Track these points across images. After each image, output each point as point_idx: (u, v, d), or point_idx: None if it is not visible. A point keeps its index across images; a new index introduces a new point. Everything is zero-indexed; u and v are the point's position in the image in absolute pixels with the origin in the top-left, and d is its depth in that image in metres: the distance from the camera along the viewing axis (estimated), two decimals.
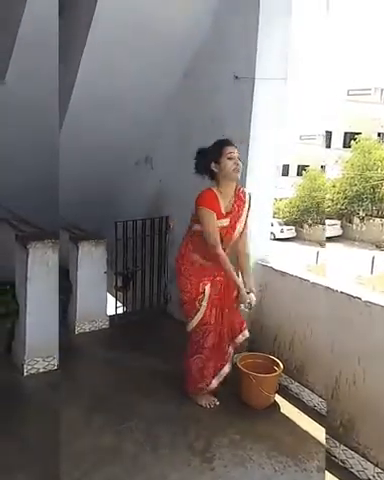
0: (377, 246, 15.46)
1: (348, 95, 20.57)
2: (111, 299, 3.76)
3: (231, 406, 2.43)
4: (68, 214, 3.53)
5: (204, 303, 2.33)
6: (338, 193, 17.09)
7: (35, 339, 2.69)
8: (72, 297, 3.34)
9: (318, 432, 2.21)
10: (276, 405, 2.46)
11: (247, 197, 2.36)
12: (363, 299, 2.01)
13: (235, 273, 2.32)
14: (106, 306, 3.49)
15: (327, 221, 16.88)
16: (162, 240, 3.69)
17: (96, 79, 2.99)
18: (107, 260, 3.38)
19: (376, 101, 19.59)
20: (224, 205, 2.27)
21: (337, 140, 20.01)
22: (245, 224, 2.37)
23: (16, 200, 3.17)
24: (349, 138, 18.19)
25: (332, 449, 2.11)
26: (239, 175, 2.25)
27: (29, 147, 3.09)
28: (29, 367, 2.68)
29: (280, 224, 17.29)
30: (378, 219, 16.43)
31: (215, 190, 2.26)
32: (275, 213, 15.34)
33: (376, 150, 16.52)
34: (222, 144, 2.24)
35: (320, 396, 2.38)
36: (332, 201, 17.26)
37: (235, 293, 2.41)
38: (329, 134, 20.12)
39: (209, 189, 2.25)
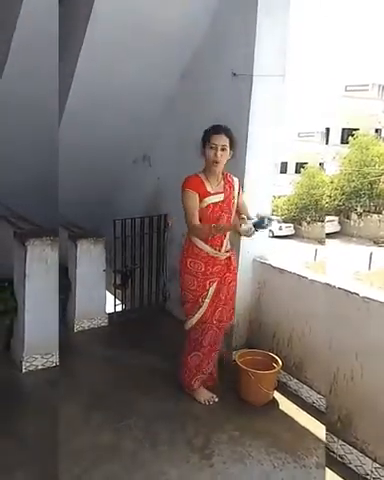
0: (375, 242, 15.51)
1: (346, 91, 20.53)
2: (110, 297, 3.76)
3: (230, 403, 2.44)
4: (67, 212, 3.53)
5: (207, 300, 2.34)
6: (336, 189, 17.11)
7: (33, 336, 2.69)
8: (71, 295, 3.34)
9: (317, 428, 2.23)
10: (275, 402, 2.47)
11: (235, 180, 2.38)
12: (361, 295, 2.02)
13: (223, 225, 2.24)
14: (105, 304, 3.50)
15: (325, 217, 16.90)
16: (161, 238, 3.68)
17: (94, 78, 2.98)
18: (106, 258, 3.38)
19: (374, 97, 19.55)
20: (211, 185, 2.29)
21: (335, 136, 19.98)
22: (239, 200, 2.40)
23: (15, 198, 3.17)
24: (347, 134, 18.17)
25: (330, 444, 2.13)
26: (220, 166, 2.25)
27: (28, 145, 3.09)
28: (27, 364, 2.69)
29: (278, 222, 17.30)
30: (376, 215, 16.47)
31: (201, 175, 2.28)
32: (274, 211, 15.36)
33: (374, 146, 16.53)
34: (209, 132, 2.24)
35: (319, 392, 2.39)
36: (330, 197, 17.29)
37: (235, 290, 2.43)
38: (327, 130, 20.09)
39: (194, 174, 2.28)
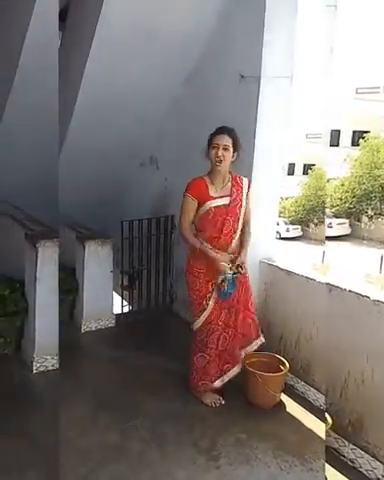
0: None
1: (357, 93, 20.39)
2: (117, 298, 3.77)
3: (237, 405, 2.43)
4: (75, 214, 3.56)
5: (211, 302, 2.33)
6: (346, 192, 16.95)
7: (44, 337, 2.71)
8: (78, 296, 3.36)
9: (323, 431, 2.20)
10: (282, 404, 2.46)
11: (244, 182, 2.37)
12: (372, 298, 2.00)
13: (207, 249, 2.26)
14: (112, 305, 3.51)
15: (336, 220, 16.73)
16: (168, 239, 3.69)
17: (102, 82, 3.02)
18: (113, 259, 3.40)
19: None
20: (215, 189, 2.29)
21: (346, 138, 19.84)
22: (247, 208, 2.37)
23: (21, 199, 3.20)
24: (358, 136, 18.02)
25: (341, 448, 2.10)
26: (223, 165, 2.25)
27: (31, 147, 3.12)
28: (38, 365, 2.71)
29: (286, 223, 17.19)
30: None
31: (205, 177, 2.29)
32: (281, 212, 15.26)
33: None
34: (213, 133, 2.26)
35: (326, 395, 2.37)
36: (340, 200, 17.13)
37: (250, 295, 2.43)
38: (337, 132, 19.95)
39: (199, 177, 2.29)
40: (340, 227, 16.53)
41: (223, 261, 2.25)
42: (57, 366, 2.74)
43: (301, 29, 2.78)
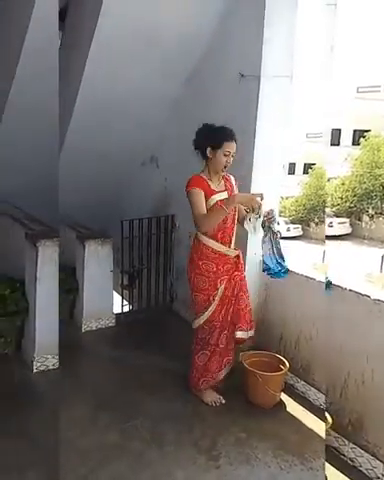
0: None
1: (357, 92, 20.36)
2: (117, 297, 3.78)
3: (237, 404, 2.43)
4: (75, 214, 3.56)
5: (217, 299, 2.34)
6: (347, 191, 16.94)
7: (44, 336, 2.71)
8: (79, 295, 3.36)
9: (323, 431, 2.20)
10: (282, 404, 2.46)
11: (232, 178, 2.40)
12: (372, 297, 2.00)
13: (222, 206, 2.18)
14: (112, 304, 3.51)
15: (336, 219, 16.72)
16: (168, 238, 3.69)
17: (100, 83, 3.01)
18: (113, 258, 3.40)
19: None
20: (214, 185, 2.30)
21: (346, 137, 19.82)
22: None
23: (21, 199, 3.20)
24: (358, 135, 18.01)
25: (341, 447, 2.10)
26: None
27: (31, 147, 3.12)
28: (38, 364, 2.71)
29: (286, 223, 17.19)
30: None
31: (202, 175, 2.29)
32: (281, 212, 15.23)
33: None
34: (223, 138, 2.23)
35: (326, 395, 2.37)
36: (341, 199, 17.12)
37: (245, 289, 2.42)
38: (338, 131, 19.93)
39: (196, 174, 2.29)
40: (341, 226, 16.52)
41: (251, 196, 2.19)
42: (57, 365, 2.74)
43: (301, 28, 2.78)
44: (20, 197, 3.21)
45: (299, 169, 21.36)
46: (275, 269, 2.36)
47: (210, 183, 2.28)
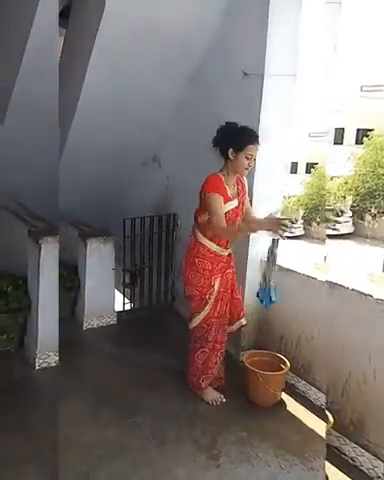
0: None
1: (361, 91, 20.25)
2: (119, 295, 3.78)
3: (237, 403, 2.43)
4: (77, 211, 3.56)
5: (212, 297, 2.34)
6: (350, 190, 16.89)
7: (47, 333, 2.72)
8: (80, 293, 3.37)
9: (324, 430, 2.20)
10: (282, 403, 2.46)
11: (244, 181, 2.39)
12: (375, 297, 2.00)
13: (238, 227, 2.22)
14: (114, 302, 3.51)
15: (338, 218, 16.68)
16: (169, 237, 3.69)
17: (103, 82, 3.00)
18: (115, 257, 3.40)
19: None
20: (229, 189, 2.28)
21: (349, 136, 19.74)
22: (245, 204, 2.40)
23: (23, 198, 3.21)
24: (362, 135, 17.94)
25: (342, 447, 2.11)
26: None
27: (33, 145, 3.12)
28: (41, 361, 2.72)
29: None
30: None
31: (221, 175, 2.26)
32: (283, 211, 15.18)
33: None
34: (248, 140, 2.19)
35: (327, 395, 2.37)
36: (344, 198, 17.07)
37: (235, 282, 2.46)
38: (341, 130, 19.85)
39: (215, 175, 2.25)
40: (343, 225, 16.47)
41: (277, 221, 2.01)
42: (59, 363, 2.75)
43: (305, 26, 2.76)
44: (22, 195, 3.21)
45: (301, 168, 21.29)
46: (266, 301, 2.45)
47: (226, 187, 2.26)
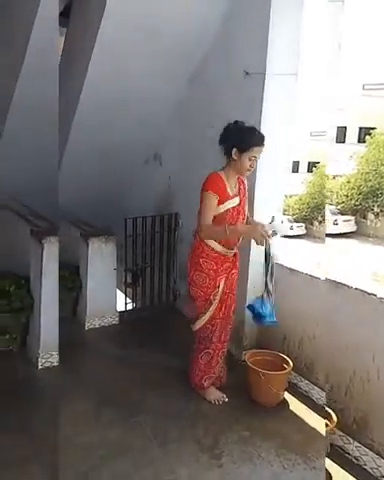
0: None
1: (363, 90, 20.19)
2: (121, 295, 3.78)
3: (240, 403, 2.43)
4: (78, 211, 3.56)
5: (217, 297, 2.34)
6: (352, 189, 16.86)
7: (49, 333, 2.71)
8: (82, 293, 3.37)
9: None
10: (285, 403, 2.45)
11: (246, 183, 2.38)
12: (378, 295, 1.99)
13: (237, 228, 2.20)
14: (116, 302, 3.51)
15: (341, 217, 16.64)
16: (171, 236, 3.69)
17: (104, 81, 3.00)
18: (117, 256, 3.40)
19: None
20: (230, 187, 2.26)
21: (352, 135, 19.69)
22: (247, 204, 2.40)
23: (24, 198, 3.21)
24: (364, 133, 17.89)
25: (345, 446, 2.10)
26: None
27: (34, 146, 3.13)
28: (43, 361, 2.72)
29: (290, 221, 17.14)
30: None
31: (222, 174, 2.24)
32: (285, 210, 15.20)
33: None
34: (253, 142, 2.16)
35: (327, 393, 2.36)
36: (347, 197, 17.04)
37: (238, 277, 2.44)
38: (344, 129, 19.81)
39: (216, 173, 2.24)
40: (346, 224, 16.44)
41: (258, 229, 2.13)
42: (62, 362, 2.75)
43: (307, 25, 2.75)
44: (24, 194, 3.21)
45: (303, 167, 21.26)
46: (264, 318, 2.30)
47: (227, 185, 2.24)
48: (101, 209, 3.79)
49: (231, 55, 2.92)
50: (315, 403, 2.45)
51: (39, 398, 2.46)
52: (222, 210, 2.23)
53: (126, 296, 3.76)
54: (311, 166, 19.71)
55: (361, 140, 18.14)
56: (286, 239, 14.53)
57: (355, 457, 2.05)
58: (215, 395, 2.45)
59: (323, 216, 17.68)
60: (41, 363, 2.71)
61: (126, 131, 3.45)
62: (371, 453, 1.99)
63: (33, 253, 2.80)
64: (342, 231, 15.87)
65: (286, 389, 2.47)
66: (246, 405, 2.41)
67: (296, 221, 17.70)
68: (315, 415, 2.34)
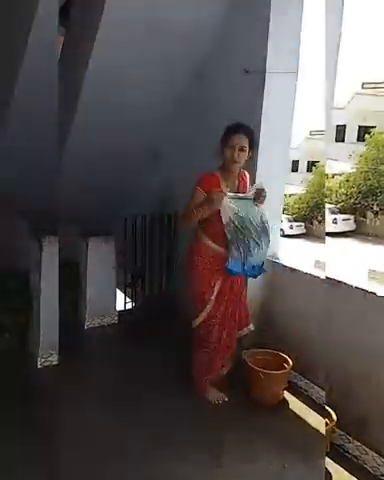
0: None
1: (363, 88, 20.20)
2: (120, 294, 3.78)
3: (240, 402, 2.43)
4: (78, 210, 3.55)
5: (213, 298, 2.33)
6: (352, 187, 16.86)
7: (49, 332, 2.72)
8: (81, 293, 3.37)
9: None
10: (285, 402, 2.45)
11: (247, 177, 2.38)
12: (378, 294, 1.99)
13: (205, 208, 2.18)
14: (115, 301, 3.51)
15: (341, 216, 16.64)
16: (171, 235, 3.68)
17: (104, 79, 2.99)
18: (116, 256, 3.40)
19: None
20: (226, 186, 2.25)
21: (351, 134, 19.71)
22: None
23: (25, 196, 3.21)
24: (363, 132, 17.89)
25: (346, 445, 2.10)
26: (238, 166, 2.24)
27: (33, 147, 3.12)
28: (43, 360, 2.72)
29: (289, 220, 17.15)
30: None
31: (217, 173, 2.25)
32: (284, 209, 15.18)
33: None
34: (228, 132, 2.20)
35: (326, 392, 2.36)
36: (346, 195, 17.04)
37: (242, 286, 2.42)
38: (343, 128, 19.82)
39: (209, 172, 2.25)
40: (345, 223, 16.45)
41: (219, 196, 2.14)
42: (61, 361, 2.74)
43: (307, 23, 2.74)
44: (23, 193, 3.21)
45: (302, 166, 21.27)
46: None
47: (222, 183, 2.24)
48: (100, 208, 3.78)
49: (231, 53, 2.91)
50: (315, 402, 2.45)
51: (38, 397, 2.46)
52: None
53: (125, 295, 3.76)
54: (310, 165, 19.72)
55: (360, 139, 18.14)
56: (286, 238, 14.56)
57: (355, 456, 2.06)
58: (215, 395, 2.45)
59: (323, 215, 17.68)
60: (40, 362, 2.71)
61: (126, 130, 3.44)
62: (371, 452, 1.99)
63: (32, 252, 2.79)
64: (341, 230, 15.88)
65: (286, 388, 2.47)
66: (246, 404, 2.41)
67: (295, 220, 17.71)
68: (315, 414, 2.34)
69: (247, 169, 2.44)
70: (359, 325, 2.09)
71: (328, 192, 17.61)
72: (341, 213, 16.75)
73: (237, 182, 2.31)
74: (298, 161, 21.47)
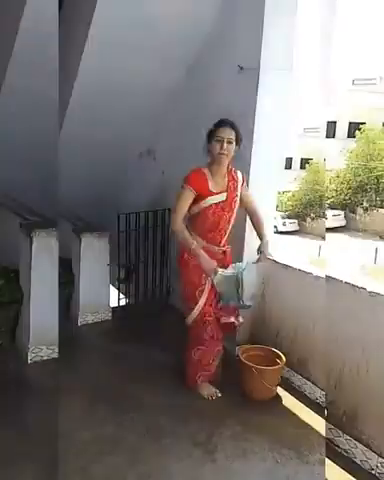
0: (381, 237, 15.41)
1: (353, 85, 20.26)
2: (114, 291, 3.77)
3: (233, 398, 2.44)
4: (72, 206, 3.53)
5: (205, 294, 2.33)
6: (342, 183, 16.99)
7: (39, 327, 2.71)
8: (75, 289, 3.35)
9: (320, 425, 2.22)
10: (278, 397, 2.47)
11: (239, 175, 2.36)
12: (368, 289, 2.01)
13: (200, 253, 2.23)
14: (109, 298, 3.50)
15: (331, 212, 16.79)
16: (165, 232, 3.67)
17: (98, 74, 2.96)
18: (110, 252, 3.38)
19: (381, 91, 19.30)
20: (215, 183, 2.26)
21: (342, 130, 19.79)
22: (250, 198, 2.42)
23: (19, 191, 3.17)
24: (354, 128, 17.99)
25: (335, 439, 2.13)
26: (227, 160, 2.24)
27: (31, 142, 3.08)
28: (33, 355, 2.71)
29: (283, 217, 17.25)
30: (382, 210, 16.34)
31: (205, 170, 2.25)
32: (278, 206, 15.29)
33: (380, 140, 16.35)
34: (215, 126, 2.22)
35: (322, 389, 2.39)
36: (336, 191, 17.17)
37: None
38: (334, 124, 19.89)
39: (198, 168, 2.25)
40: (335, 219, 16.60)
41: (213, 267, 2.25)
42: (53, 356, 2.73)
43: (301, 20, 2.74)
44: (19, 189, 3.17)
45: (296, 164, 21.32)
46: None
47: (210, 182, 2.24)
48: (94, 205, 3.75)
49: (226, 49, 2.89)
50: (308, 398, 2.47)
51: (29, 393, 2.44)
52: (204, 206, 2.23)
53: (119, 292, 3.74)
54: (304, 162, 19.78)
55: (351, 135, 18.24)
56: (279, 235, 14.65)
57: (345, 450, 2.08)
58: (209, 390, 2.46)
59: (316, 212, 17.80)
60: (31, 357, 2.70)
61: (119, 125, 3.41)
62: (361, 446, 2.02)
63: (22, 247, 2.77)
64: (332, 226, 16.03)
65: (279, 384, 2.49)
66: (239, 400, 2.43)
67: (289, 217, 17.82)
68: (308, 410, 2.37)
69: (241, 166, 2.44)
70: (349, 320, 2.10)
71: (317, 187, 17.73)
72: (331, 209, 16.90)
73: (226, 180, 2.29)
74: (292, 158, 21.52)
